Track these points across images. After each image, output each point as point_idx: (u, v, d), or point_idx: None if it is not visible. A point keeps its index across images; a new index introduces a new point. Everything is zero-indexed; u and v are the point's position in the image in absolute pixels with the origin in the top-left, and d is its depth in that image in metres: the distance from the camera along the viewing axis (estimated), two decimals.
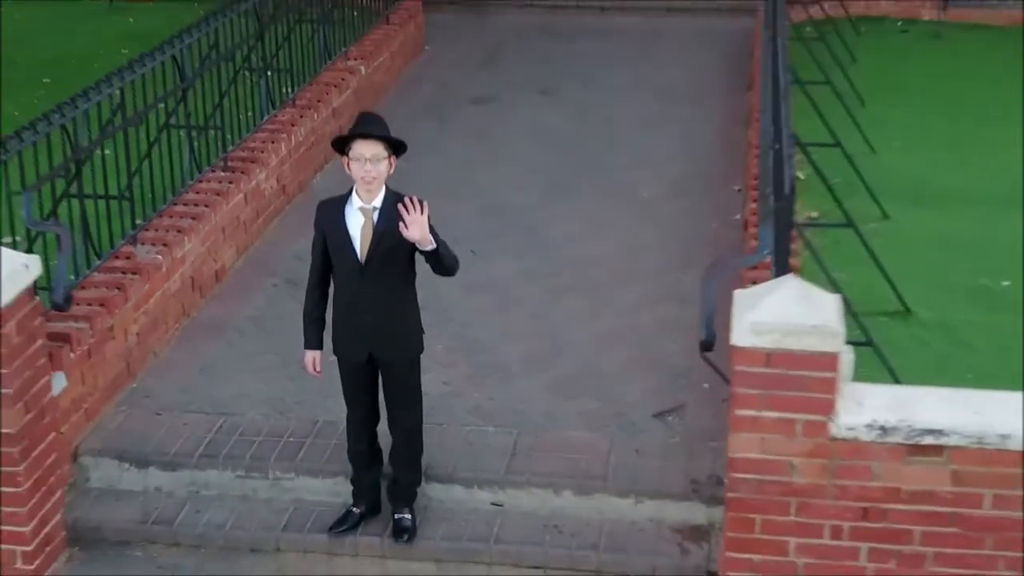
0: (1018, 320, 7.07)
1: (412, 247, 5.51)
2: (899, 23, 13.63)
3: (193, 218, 7.79)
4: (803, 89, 9.50)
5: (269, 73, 9.51)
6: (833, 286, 6.46)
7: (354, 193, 5.61)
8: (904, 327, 7.00)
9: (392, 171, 5.64)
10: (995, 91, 11.53)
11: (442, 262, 5.56)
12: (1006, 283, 7.57)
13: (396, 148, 5.60)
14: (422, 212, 5.38)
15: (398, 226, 5.40)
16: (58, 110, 6.76)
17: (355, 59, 11.12)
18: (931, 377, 5.93)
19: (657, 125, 10.91)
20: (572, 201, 9.41)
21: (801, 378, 5.20)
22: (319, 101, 10.01)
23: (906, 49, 12.84)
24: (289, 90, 9.87)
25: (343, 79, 10.60)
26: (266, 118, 9.34)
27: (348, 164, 5.57)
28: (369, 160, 5.47)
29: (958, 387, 5.50)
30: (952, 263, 7.87)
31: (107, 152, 7.55)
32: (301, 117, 9.63)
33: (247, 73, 9.21)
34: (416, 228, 5.37)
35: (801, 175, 8.86)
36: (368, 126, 5.53)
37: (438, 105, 11.48)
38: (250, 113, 9.20)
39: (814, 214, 7.98)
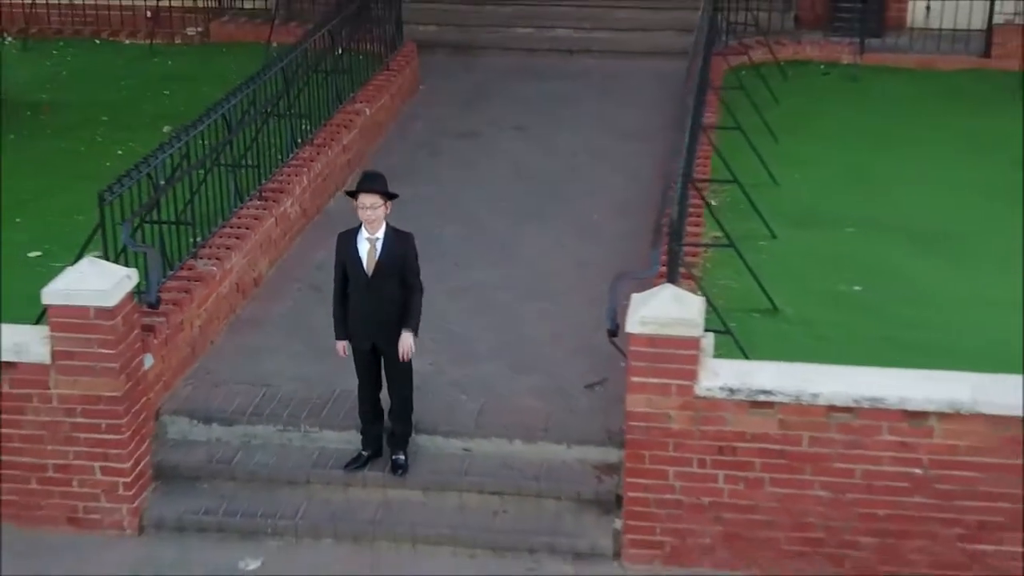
0: (863, 316, 9.29)
1: (403, 271, 7.75)
2: (822, 66, 15.80)
3: (237, 238, 10.00)
4: (725, 131, 11.73)
5: (292, 118, 11.74)
6: (704, 292, 8.65)
7: (362, 227, 7.82)
8: (772, 322, 9.21)
9: (388, 211, 7.84)
10: (897, 128, 13.72)
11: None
12: (857, 288, 9.79)
13: (391, 196, 7.83)
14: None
15: (395, 253, 7.64)
16: (145, 161, 8.94)
17: (361, 102, 13.31)
18: (789, 359, 8.13)
19: (610, 158, 13.05)
20: (538, 222, 11.58)
21: (674, 355, 7.41)
22: (332, 140, 12.22)
23: (825, 90, 15.00)
24: (309, 131, 12.08)
25: (351, 120, 12.81)
26: (291, 155, 11.55)
27: (356, 208, 7.79)
28: (370, 207, 7.69)
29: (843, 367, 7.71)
30: (819, 273, 10.07)
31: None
32: (318, 154, 11.84)
33: (276, 119, 11.41)
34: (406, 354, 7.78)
35: (714, 202, 11.09)
36: (369, 182, 7.75)
37: (431, 140, 13.67)
38: (278, 152, 11.42)
39: (717, 234, 10.18)
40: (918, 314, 9.51)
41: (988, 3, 15.75)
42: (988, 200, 11.66)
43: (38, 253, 10.53)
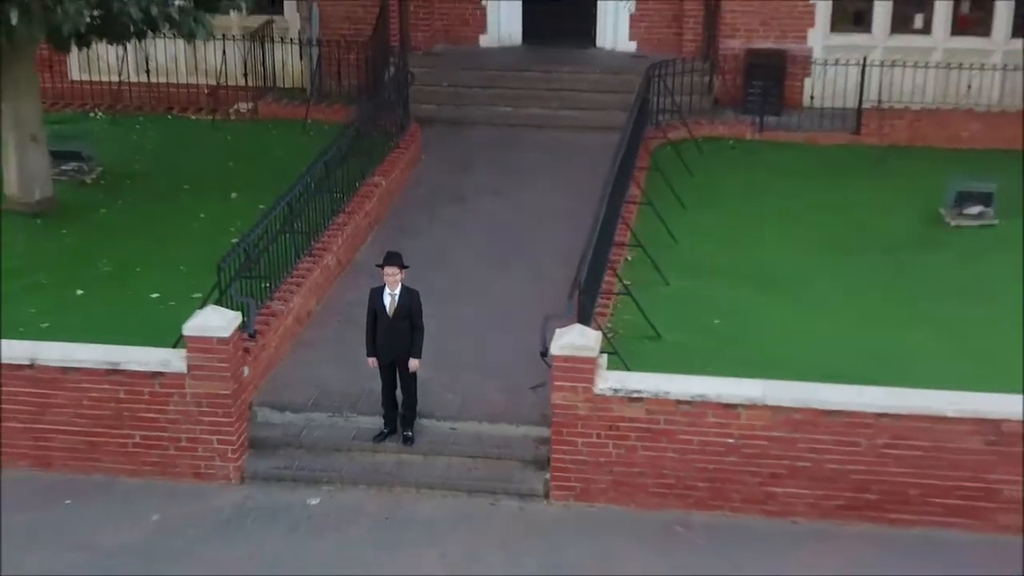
0: (720, 342, 13.48)
1: (411, 314, 11.93)
2: (730, 142, 19.95)
3: (296, 285, 14.18)
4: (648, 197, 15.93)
5: (331, 193, 15.89)
6: (604, 329, 12.79)
7: (386, 286, 12.01)
8: (656, 346, 13.36)
9: (404, 275, 12.02)
10: (773, 195, 17.84)
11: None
12: (717, 321, 13.99)
13: (404, 267, 12.03)
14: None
15: (406, 303, 11.84)
16: (242, 240, 13.10)
17: (378, 175, 17.48)
18: (664, 372, 12.22)
19: (566, 217, 16.95)
20: (505, 269, 15.70)
21: (581, 368, 11.58)
22: (358, 208, 16.38)
23: (730, 163, 19.13)
24: (342, 199, 16.22)
25: (371, 191, 16.99)
26: (330, 221, 15.72)
27: (382, 274, 11.98)
28: (391, 275, 11.89)
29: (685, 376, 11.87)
30: (694, 311, 14.22)
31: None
32: (349, 219, 16.01)
33: (321, 195, 15.53)
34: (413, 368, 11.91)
35: (629, 258, 15.27)
36: (391, 259, 11.94)
37: (429, 204, 17.80)
38: (322, 219, 15.54)
39: (627, 282, 14.35)
40: (758, 339, 13.68)
41: (858, 89, 19.90)
42: (824, 252, 15.85)
43: (156, 295, 14.71)
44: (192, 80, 21.51)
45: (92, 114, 21.21)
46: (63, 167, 17.70)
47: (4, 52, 14.22)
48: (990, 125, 19.67)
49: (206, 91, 21.52)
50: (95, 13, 13.48)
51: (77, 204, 17.17)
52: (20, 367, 12.14)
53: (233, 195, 17.50)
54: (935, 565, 11.09)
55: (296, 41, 21.38)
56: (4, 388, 12.15)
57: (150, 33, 14.99)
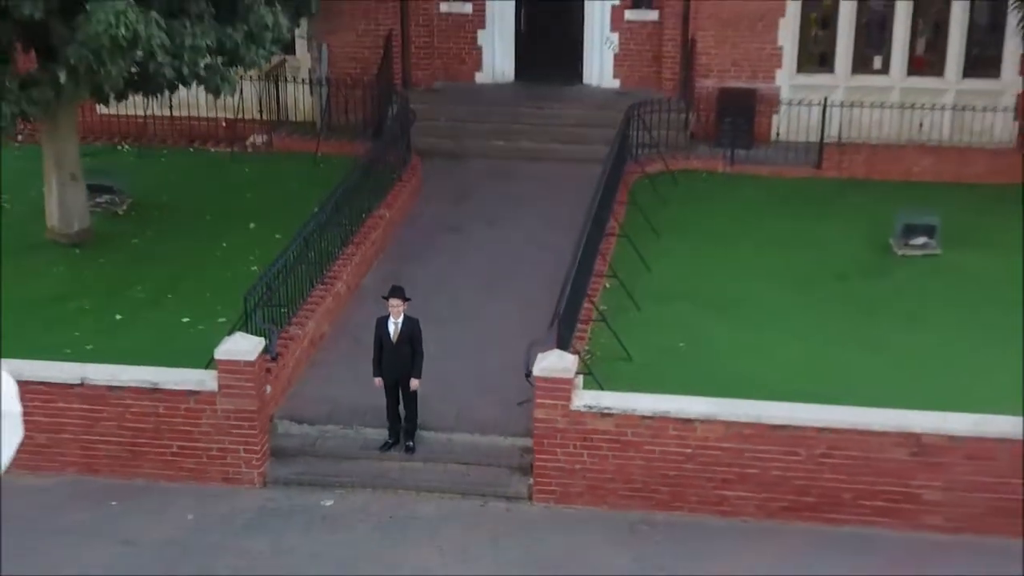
0: (684, 362, 15.14)
1: (412, 341, 13.60)
2: (704, 174, 21.59)
3: (311, 310, 15.84)
4: (627, 226, 17.60)
5: (342, 225, 17.54)
6: (581, 353, 14.44)
7: (390, 316, 13.68)
8: (627, 367, 15.01)
9: (406, 307, 13.69)
10: (738, 226, 19.48)
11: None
12: (682, 344, 15.67)
13: (407, 299, 13.70)
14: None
15: (408, 331, 13.51)
16: (264, 274, 14.76)
17: (383, 208, 19.14)
18: (634, 390, 13.90)
19: (553, 246, 18.47)
20: (496, 294, 17.35)
21: (559, 388, 13.26)
22: (365, 239, 18.03)
23: (702, 194, 20.79)
24: (351, 230, 17.88)
25: (377, 223, 18.63)
26: (340, 251, 17.38)
27: (387, 305, 13.65)
28: (395, 306, 13.56)
29: (649, 395, 13.56)
30: (664, 334, 15.88)
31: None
32: (357, 249, 17.67)
33: (334, 228, 17.17)
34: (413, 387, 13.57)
35: (608, 285, 16.93)
36: (395, 292, 13.62)
37: (429, 233, 19.45)
38: (334, 249, 17.19)
39: (604, 308, 16.01)
40: (718, 360, 15.34)
41: (820, 126, 21.54)
42: (782, 280, 17.52)
43: (187, 319, 16.38)
44: (211, 114, 23.09)
45: (119, 147, 22.83)
46: (97, 199, 19.34)
47: (51, 105, 15.87)
48: (941, 159, 21.33)
49: (224, 124, 23.15)
50: (133, 70, 15.10)
51: (111, 234, 18.84)
52: (71, 386, 13.82)
53: (251, 225, 19.17)
54: (865, 559, 12.75)
55: (307, 80, 23.03)
56: (57, 405, 13.81)
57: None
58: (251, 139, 22.98)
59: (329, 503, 13.67)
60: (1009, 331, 16.12)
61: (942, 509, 12.99)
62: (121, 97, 16.17)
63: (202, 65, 15.49)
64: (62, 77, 14.92)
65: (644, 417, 13.23)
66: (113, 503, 13.71)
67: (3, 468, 11.00)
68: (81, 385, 13.83)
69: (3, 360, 11.30)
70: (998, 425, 12.84)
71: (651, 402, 13.33)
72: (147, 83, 15.53)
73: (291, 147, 22.67)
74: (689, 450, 13.24)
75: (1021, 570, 12.37)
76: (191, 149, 22.83)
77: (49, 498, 13.56)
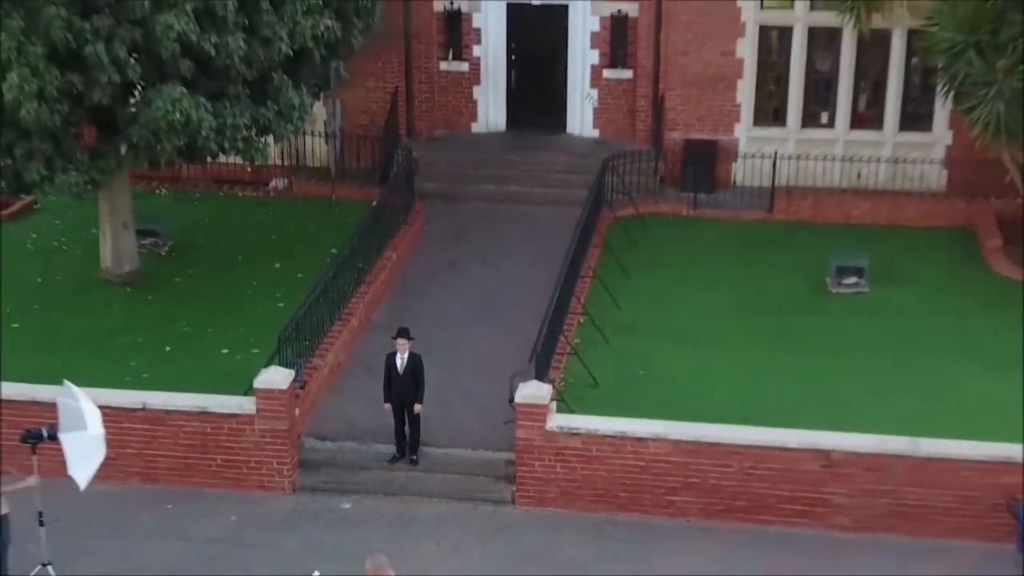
0: (644, 388, 17.75)
1: (416, 373, 16.25)
2: (670, 217, 24.13)
3: (330, 343, 18.46)
4: (603, 265, 20.24)
5: (356, 267, 20.15)
6: (555, 382, 17.06)
7: (397, 352, 16.33)
8: (595, 393, 17.60)
9: (410, 344, 16.33)
10: (696, 264, 22.03)
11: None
12: (642, 372, 18.29)
13: (411, 338, 16.35)
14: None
15: (412, 365, 16.16)
16: (293, 316, 17.37)
17: (390, 250, 21.73)
18: (601, 413, 16.50)
19: (538, 281, 20.60)
20: (487, 326, 19.91)
21: (536, 411, 15.89)
22: (375, 278, 20.64)
23: (668, 236, 23.33)
24: (364, 270, 20.48)
25: (385, 264, 21.23)
26: (354, 290, 19.99)
27: (395, 344, 16.30)
28: (400, 345, 16.22)
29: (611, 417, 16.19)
30: (628, 364, 18.45)
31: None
32: (369, 287, 20.28)
33: (349, 270, 19.78)
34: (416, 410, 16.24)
35: (582, 319, 19.55)
36: (401, 334, 16.27)
37: (430, 271, 21.99)
38: (349, 287, 19.80)
39: (578, 341, 18.64)
40: (672, 386, 17.94)
41: (772, 174, 24.14)
42: (732, 314, 20.11)
43: (226, 350, 18.99)
44: (238, 160, 25.59)
45: (157, 191, 25.41)
46: (143, 242, 21.92)
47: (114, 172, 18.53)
48: (877, 204, 23.91)
49: (249, 170, 25.67)
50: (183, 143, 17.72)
51: (156, 274, 21.45)
52: (135, 410, 16.45)
53: (276, 264, 21.79)
54: (786, 552, 15.36)
55: (323, 132, 25.61)
56: (122, 425, 16.42)
57: None
58: (273, 183, 25.55)
59: (348, 506, 16.29)
60: (924, 360, 18.72)
61: (848, 512, 15.62)
62: (171, 164, 18.77)
63: (240, 139, 18.11)
64: (123, 150, 17.59)
65: (606, 436, 15.88)
66: (169, 506, 16.33)
67: (89, 478, 13.69)
68: (143, 409, 16.47)
69: (82, 389, 13.99)
70: (894, 444, 15.48)
71: (612, 424, 15.98)
72: (194, 153, 18.15)
73: (309, 191, 25.22)
74: (643, 463, 15.87)
75: (910, 561, 15.04)
76: (220, 193, 25.35)
77: (117, 502, 16.17)
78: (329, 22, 18.65)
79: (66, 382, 13.99)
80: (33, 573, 14.31)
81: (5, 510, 14.33)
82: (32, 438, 13.93)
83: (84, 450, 13.82)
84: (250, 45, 17.68)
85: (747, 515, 15.82)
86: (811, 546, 15.49)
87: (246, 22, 17.67)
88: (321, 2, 18.53)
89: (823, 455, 15.54)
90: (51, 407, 14.34)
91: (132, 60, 16.86)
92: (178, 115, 16.64)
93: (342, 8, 19.36)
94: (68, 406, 13.92)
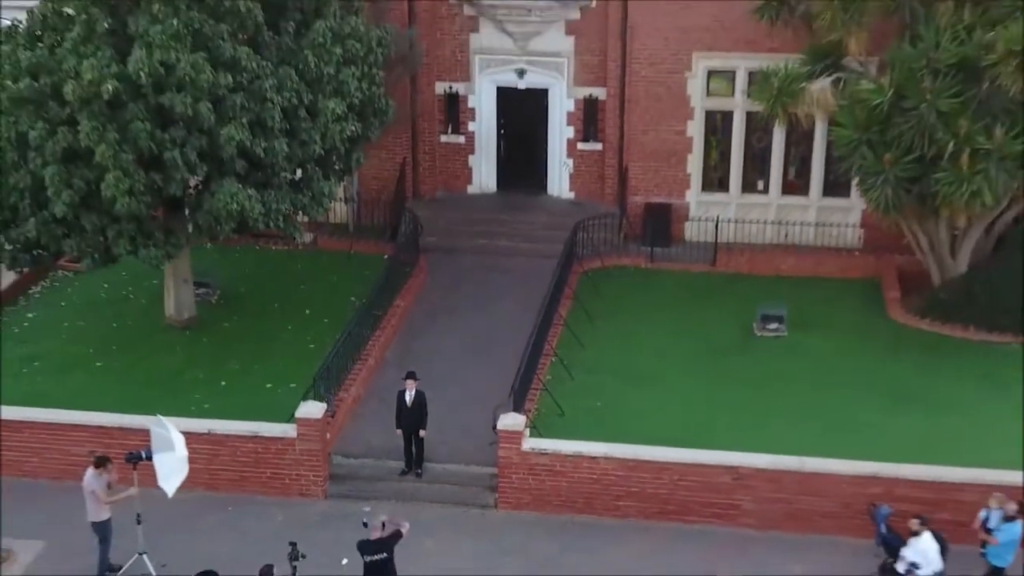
0: (600, 417, 21.87)
1: (421, 407, 20.43)
2: (631, 269, 28.25)
3: (352, 380, 22.56)
4: (572, 313, 24.40)
5: (372, 315, 24.26)
6: (527, 410, 21.20)
7: (406, 389, 20.50)
8: (561, 421, 21.64)
9: (417, 383, 20.50)
10: (649, 311, 26.13)
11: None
12: (599, 404, 22.40)
13: (416, 379, 20.52)
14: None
15: (417, 401, 20.35)
16: (324, 360, 21.53)
17: (400, 299, 25.88)
18: (565, 437, 20.61)
19: (522, 324, 24.67)
20: (482, 362, 23.88)
21: (513, 435, 20.06)
22: (387, 323, 24.78)
23: (628, 286, 27.46)
24: (379, 319, 24.60)
25: (395, 311, 25.37)
26: (371, 335, 24.11)
27: (404, 383, 20.46)
28: (408, 385, 20.39)
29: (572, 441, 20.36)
30: (588, 397, 22.50)
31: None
32: (383, 332, 24.42)
33: (368, 318, 23.90)
34: (422, 435, 20.49)
35: (553, 359, 23.70)
36: (410, 375, 20.46)
37: (431, 315, 26.09)
38: (367, 332, 23.91)
39: (549, 377, 22.77)
40: (623, 416, 22.04)
41: (715, 232, 28.28)
42: (675, 355, 24.18)
43: (269, 385, 23.12)
44: None
45: (205, 246, 29.51)
46: (197, 292, 26.02)
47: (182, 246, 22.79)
48: (802, 259, 28.04)
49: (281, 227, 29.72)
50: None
51: (209, 320, 25.59)
52: (202, 434, 20.56)
53: (307, 311, 25.93)
54: (704, 545, 19.47)
55: (342, 195, 29.72)
56: (192, 446, 20.50)
57: None
58: (302, 238, 29.66)
59: (367, 509, 20.20)
60: (829, 395, 22.77)
61: (753, 514, 19.76)
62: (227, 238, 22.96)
63: (281, 218, 22.28)
64: (190, 229, 21.77)
65: (568, 455, 20.04)
66: (229, 509, 20.48)
67: (175, 489, 17.95)
68: (208, 434, 20.60)
69: (163, 417, 18.15)
70: (786, 462, 19.64)
71: (572, 446, 20.15)
72: (244, 229, 22.31)
73: (331, 246, 29.30)
74: (596, 476, 20.03)
75: (799, 553, 19.17)
76: (256, 247, 29.39)
77: (189, 507, 20.23)
78: (353, 126, 22.80)
79: (158, 415, 18.20)
80: (132, 560, 18.50)
81: (108, 515, 18.53)
82: (134, 458, 18.15)
83: (172, 467, 18.02)
84: (291, 147, 21.87)
85: (675, 516, 19.97)
86: (723, 541, 19.62)
87: (288, 128, 21.86)
88: (346, 109, 22.67)
89: (733, 470, 19.69)
90: (137, 432, 18.60)
91: (199, 161, 21.04)
92: (235, 205, 20.83)
93: (363, 112, 23.52)
94: (159, 434, 18.12)
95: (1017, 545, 17.94)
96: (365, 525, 17.52)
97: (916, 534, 17.62)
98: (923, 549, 17.50)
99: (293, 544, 17.13)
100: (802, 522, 19.62)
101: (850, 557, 19.11)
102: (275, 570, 16.50)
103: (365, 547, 17.38)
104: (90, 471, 18.38)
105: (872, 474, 19.39)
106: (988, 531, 18.02)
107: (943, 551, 17.75)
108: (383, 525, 17.41)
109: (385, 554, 17.35)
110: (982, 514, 18.17)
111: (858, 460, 19.75)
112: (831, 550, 19.30)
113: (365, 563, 17.38)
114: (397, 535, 17.44)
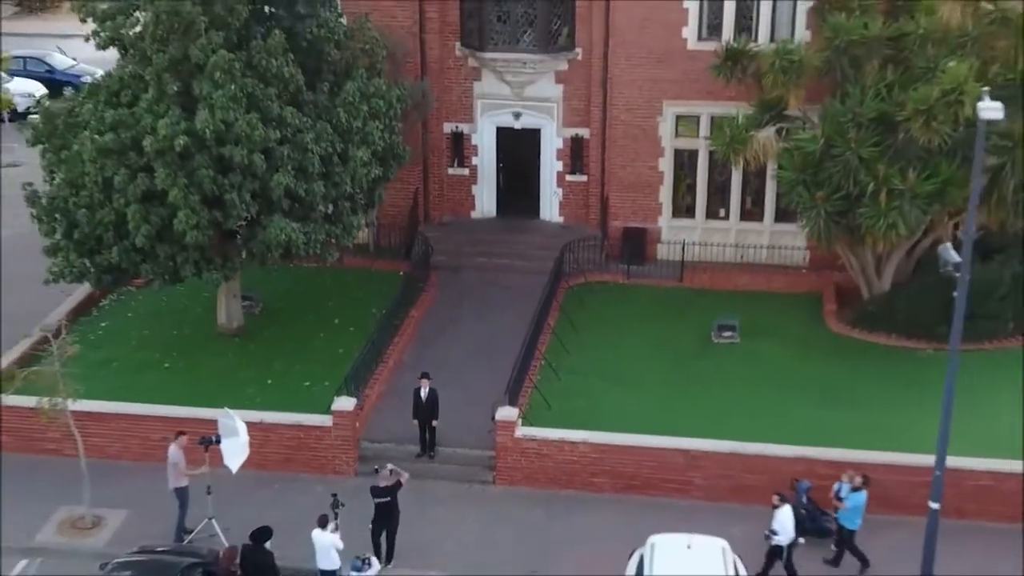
0: (582, 411, 25.84)
1: (433, 402, 24.44)
2: (611, 284, 32.12)
3: (376, 379, 26.53)
4: (560, 323, 28.44)
5: (391, 326, 28.22)
6: (520, 404, 25.25)
7: (421, 387, 24.49)
8: (548, 413, 25.50)
9: (431, 382, 24.50)
10: (628, 320, 30.07)
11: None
12: (581, 400, 26.40)
13: (430, 377, 24.54)
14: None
15: (431, 397, 24.37)
16: (353, 363, 25.54)
17: (414, 312, 29.85)
18: (551, 427, 24.57)
19: (516, 335, 28.58)
20: (482, 365, 27.76)
21: (508, 424, 24.07)
22: (404, 332, 28.74)
23: (608, 299, 31.38)
24: (397, 328, 28.56)
25: (411, 321, 29.33)
26: (390, 341, 28.07)
27: (419, 382, 24.47)
28: (423, 382, 24.38)
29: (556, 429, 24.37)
30: (572, 394, 26.50)
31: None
32: (400, 339, 28.39)
33: (389, 327, 27.91)
34: (435, 424, 24.57)
35: (542, 363, 27.71)
36: (424, 375, 24.46)
37: (440, 325, 30.00)
38: (389, 338, 27.88)
39: (538, 378, 26.70)
40: (601, 409, 25.94)
41: (682, 253, 32.21)
42: (646, 359, 28.10)
43: (308, 383, 27.09)
44: None
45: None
46: (243, 305, 30.00)
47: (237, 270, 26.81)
48: (756, 276, 31.96)
49: None
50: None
51: (254, 329, 29.56)
52: (254, 423, 24.39)
53: (336, 321, 29.92)
54: (664, 513, 23.37)
55: (365, 221, 33.62)
56: (252, 434, 24.45)
57: None
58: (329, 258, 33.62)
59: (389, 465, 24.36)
60: (771, 392, 26.68)
61: (703, 489, 23.74)
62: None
63: (319, 247, 26.30)
64: (244, 256, 25.82)
65: (552, 441, 24.04)
66: (276, 486, 24.46)
67: (238, 467, 22.22)
68: (260, 423, 24.57)
69: (228, 409, 22.16)
70: (726, 446, 23.64)
71: (556, 433, 24.15)
72: (289, 256, 26.34)
73: (355, 264, 33.03)
74: (575, 458, 24.03)
75: (739, 519, 23.15)
76: (291, 264, 33.28)
77: (244, 483, 24.07)
78: (377, 170, 26.83)
79: (225, 408, 22.23)
80: (202, 524, 22.53)
81: (186, 483, 22.54)
82: (206, 442, 22.16)
83: (235, 450, 22.06)
84: (326, 188, 25.90)
85: (640, 490, 23.94)
86: (678, 510, 23.53)
87: (324, 172, 25.89)
88: (371, 156, 26.68)
89: (686, 453, 23.69)
90: (204, 421, 22.66)
91: (252, 201, 25.06)
92: (283, 236, 24.85)
93: (384, 157, 27.54)
94: (226, 423, 22.15)
95: (862, 511, 21.80)
96: (377, 470, 21.94)
97: (777, 507, 21.43)
98: (782, 520, 21.37)
99: (335, 495, 21.24)
100: (742, 495, 23.56)
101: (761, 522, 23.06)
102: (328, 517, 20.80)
103: (375, 491, 21.76)
104: (173, 447, 22.46)
105: (798, 456, 23.37)
106: (840, 499, 21.93)
107: (799, 522, 21.64)
108: (390, 473, 21.77)
109: (389, 498, 21.63)
110: (836, 486, 22.12)
111: (788, 445, 23.72)
112: (764, 518, 23.20)
113: (375, 504, 21.68)
114: (398, 484, 21.78)
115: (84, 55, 52.60)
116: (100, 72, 50.48)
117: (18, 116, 46.40)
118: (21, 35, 59.15)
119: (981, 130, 19.06)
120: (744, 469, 23.55)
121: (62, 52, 53.89)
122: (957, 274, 19.48)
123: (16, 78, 49.60)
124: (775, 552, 21.46)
